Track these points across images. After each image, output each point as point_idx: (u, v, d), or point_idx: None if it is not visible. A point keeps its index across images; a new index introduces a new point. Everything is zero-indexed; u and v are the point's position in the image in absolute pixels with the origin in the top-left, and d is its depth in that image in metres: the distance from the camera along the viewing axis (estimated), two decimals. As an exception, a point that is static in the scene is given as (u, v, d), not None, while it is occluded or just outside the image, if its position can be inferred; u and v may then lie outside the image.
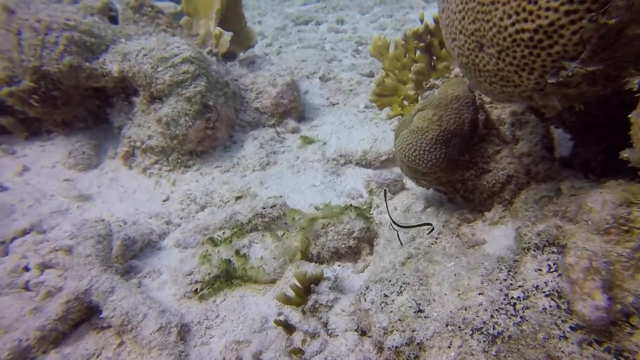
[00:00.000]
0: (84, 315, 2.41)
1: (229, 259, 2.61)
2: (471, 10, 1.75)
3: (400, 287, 2.08)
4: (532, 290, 1.67)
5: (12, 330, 2.28)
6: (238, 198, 3.76)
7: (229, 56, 5.16)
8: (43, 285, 2.69)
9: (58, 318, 2.26)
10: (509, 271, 1.87)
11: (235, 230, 2.81)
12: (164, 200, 3.88)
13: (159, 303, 2.37)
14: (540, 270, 1.71)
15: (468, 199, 3.07)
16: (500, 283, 1.84)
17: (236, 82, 4.73)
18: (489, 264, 2.03)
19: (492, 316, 1.74)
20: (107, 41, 4.15)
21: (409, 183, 3.64)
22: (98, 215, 3.59)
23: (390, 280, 2.15)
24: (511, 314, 1.68)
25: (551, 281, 1.63)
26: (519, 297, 1.71)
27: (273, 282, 2.60)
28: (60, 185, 3.86)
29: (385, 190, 2.96)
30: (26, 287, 2.71)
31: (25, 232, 3.29)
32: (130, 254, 2.99)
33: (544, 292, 1.63)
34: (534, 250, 1.82)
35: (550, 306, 1.57)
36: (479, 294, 1.88)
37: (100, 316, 2.32)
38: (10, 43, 3.82)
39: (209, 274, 2.59)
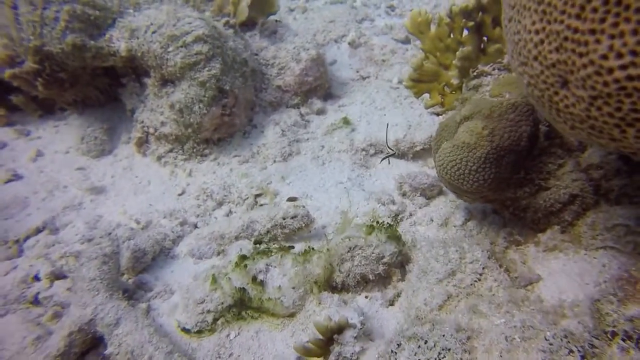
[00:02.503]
0: (90, 345, 2.26)
1: (243, 288, 2.36)
2: (556, 34, 1.26)
3: (439, 353, 1.78)
4: (617, 404, 1.34)
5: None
6: (257, 196, 3.47)
7: (249, 24, 4.63)
8: (52, 300, 2.56)
9: (60, 353, 2.11)
10: (583, 358, 1.52)
11: (253, 252, 2.54)
12: (179, 194, 3.63)
13: (167, 340, 2.17)
14: (630, 376, 1.36)
15: (519, 216, 2.66)
16: (569, 375, 1.50)
17: (256, 57, 4.26)
18: (552, 335, 1.67)
19: (555, 418, 1.43)
20: (114, 13, 3.72)
21: (447, 186, 3.23)
22: (111, 211, 3.40)
23: (426, 341, 1.84)
24: None
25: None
26: (595, 407, 1.37)
27: (292, 315, 2.36)
28: (73, 175, 3.66)
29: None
30: (35, 301, 2.59)
31: (38, 231, 3.15)
32: (142, 266, 2.80)
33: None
34: (624, 341, 1.45)
35: None
36: (538, 379, 1.56)
37: (105, 352, 2.15)
38: (7, 18, 3.47)
39: (222, 303, 2.36)
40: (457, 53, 3.04)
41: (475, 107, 2.38)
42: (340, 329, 2.03)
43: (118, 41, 3.47)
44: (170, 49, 3.44)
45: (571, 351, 1.58)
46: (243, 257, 2.48)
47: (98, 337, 2.20)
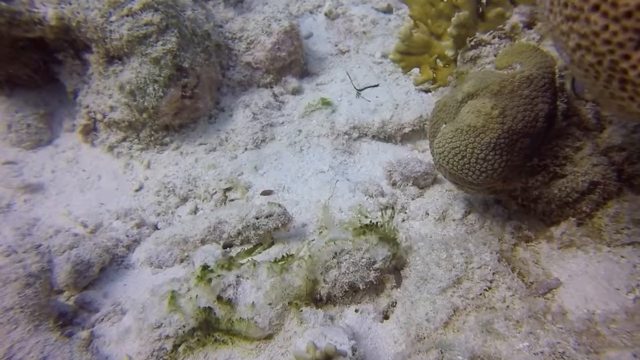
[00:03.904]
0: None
1: (209, 307, 1.94)
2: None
3: (453, 392, 1.42)
4: None
5: None
6: (227, 189, 3.02)
7: (211, -9, 4.07)
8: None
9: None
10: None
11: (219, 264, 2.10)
12: (136, 190, 3.14)
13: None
14: None
15: (528, 208, 2.32)
16: None
17: (221, 30, 3.73)
18: (591, 368, 1.34)
19: None
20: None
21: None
22: (51, 212, 2.89)
23: (435, 375, 1.48)
24: None
25: None
26: None
27: (269, 337, 1.96)
28: (0, 171, 3.08)
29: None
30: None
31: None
32: (86, 281, 2.34)
33: None
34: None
35: None
36: None
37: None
38: None
39: (184, 326, 1.94)
40: (452, 19, 2.62)
41: (480, 82, 1.98)
42: (328, 359, 1.65)
43: (43, 6, 2.85)
44: (113, 18, 2.89)
45: (623, 391, 1.24)
46: (205, 271, 2.05)
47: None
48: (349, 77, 3.12)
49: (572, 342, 1.47)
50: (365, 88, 3.20)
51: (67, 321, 2.08)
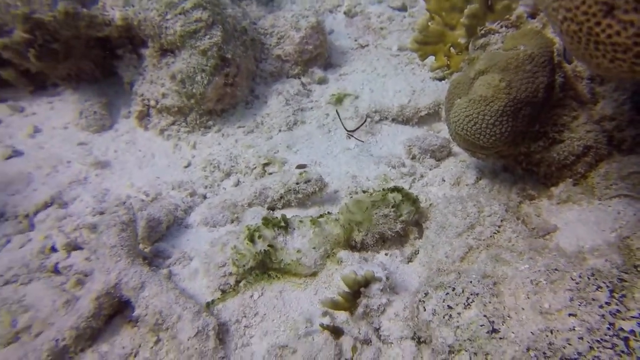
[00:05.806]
0: (116, 309, 2.27)
1: (265, 250, 2.37)
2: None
3: (468, 298, 1.81)
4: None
5: (48, 326, 2.18)
6: (265, 165, 3.45)
7: (244, -8, 4.52)
8: (72, 269, 2.56)
9: (91, 315, 2.12)
10: (612, 292, 1.57)
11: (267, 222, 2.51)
12: (185, 167, 3.59)
13: (193, 301, 2.18)
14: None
15: (531, 171, 2.69)
16: (602, 307, 1.54)
17: (254, 26, 4.17)
18: (579, 274, 1.72)
19: (591, 347, 1.48)
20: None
21: (456, 147, 3.25)
22: (117, 184, 3.35)
23: (454, 288, 1.88)
24: (622, 351, 1.41)
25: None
26: (632, 331, 1.42)
27: (314, 274, 2.37)
28: (75, 150, 3.58)
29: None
30: (56, 270, 2.59)
31: (46, 205, 3.08)
32: (157, 236, 2.78)
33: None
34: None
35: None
36: (570, 314, 1.61)
37: (133, 315, 2.16)
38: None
39: (244, 265, 2.36)
40: (465, 11, 3.01)
41: (490, 60, 2.37)
42: (367, 282, 2.05)
43: (112, 9, 3.34)
44: (169, 16, 3.34)
45: (599, 287, 1.62)
46: (251, 233, 2.46)
47: (124, 301, 2.21)
48: (339, 117, 3.46)
49: (563, 261, 1.85)
50: (356, 129, 3.45)
51: (147, 264, 2.52)
